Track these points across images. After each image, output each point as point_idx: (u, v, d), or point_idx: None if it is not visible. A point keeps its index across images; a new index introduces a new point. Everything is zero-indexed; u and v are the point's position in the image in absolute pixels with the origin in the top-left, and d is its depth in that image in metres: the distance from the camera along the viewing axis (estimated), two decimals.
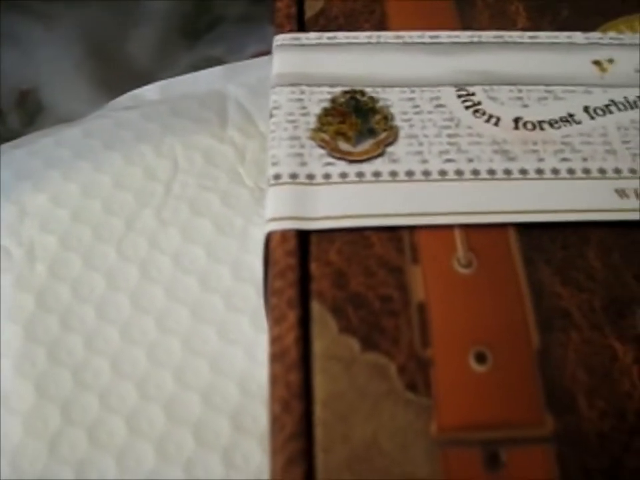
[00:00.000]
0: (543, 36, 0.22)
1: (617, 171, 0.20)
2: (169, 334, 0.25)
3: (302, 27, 0.23)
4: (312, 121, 0.20)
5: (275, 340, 0.17)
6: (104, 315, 0.25)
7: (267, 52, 0.24)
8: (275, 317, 0.17)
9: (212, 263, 0.26)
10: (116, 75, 0.37)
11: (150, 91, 0.30)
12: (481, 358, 0.17)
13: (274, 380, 0.17)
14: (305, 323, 0.17)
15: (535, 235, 0.19)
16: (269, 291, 0.18)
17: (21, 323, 0.25)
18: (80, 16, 0.38)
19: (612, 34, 0.23)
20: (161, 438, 0.23)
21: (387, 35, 0.22)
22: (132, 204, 0.27)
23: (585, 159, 0.20)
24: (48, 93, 0.37)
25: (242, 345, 0.24)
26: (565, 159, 0.20)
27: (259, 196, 0.27)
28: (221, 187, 0.28)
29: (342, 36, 0.22)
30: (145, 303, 0.25)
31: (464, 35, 0.22)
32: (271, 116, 0.21)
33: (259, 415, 0.23)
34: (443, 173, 0.19)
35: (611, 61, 0.22)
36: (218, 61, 0.34)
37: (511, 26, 0.23)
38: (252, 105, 0.30)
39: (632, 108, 0.21)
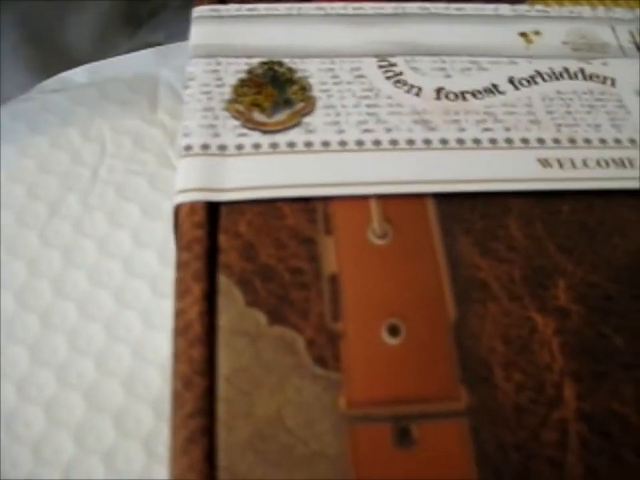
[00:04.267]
0: (470, 8, 0.22)
1: (540, 140, 0.19)
2: (91, 320, 0.24)
3: None
4: (227, 92, 0.20)
5: (178, 314, 0.16)
6: (24, 303, 0.24)
7: None
8: (179, 290, 0.17)
9: (137, 248, 0.25)
10: (54, 61, 0.35)
11: (78, 74, 0.29)
12: (394, 330, 0.16)
13: (177, 355, 0.16)
14: (210, 296, 0.16)
15: (455, 205, 0.18)
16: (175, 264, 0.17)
17: None
18: (18, 1, 0.36)
19: (539, 6, 0.22)
20: (80, 426, 0.22)
21: (308, 7, 0.21)
22: (57, 189, 0.26)
23: (507, 129, 0.19)
24: None
25: (166, 331, 0.23)
26: (487, 129, 0.19)
27: None
28: (149, 170, 0.27)
29: (262, 7, 0.21)
30: (67, 289, 0.24)
31: (388, 7, 0.22)
32: (186, 87, 0.20)
33: None
34: (360, 143, 0.19)
35: (537, 32, 0.21)
36: None
37: None
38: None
39: (557, 79, 0.20)
